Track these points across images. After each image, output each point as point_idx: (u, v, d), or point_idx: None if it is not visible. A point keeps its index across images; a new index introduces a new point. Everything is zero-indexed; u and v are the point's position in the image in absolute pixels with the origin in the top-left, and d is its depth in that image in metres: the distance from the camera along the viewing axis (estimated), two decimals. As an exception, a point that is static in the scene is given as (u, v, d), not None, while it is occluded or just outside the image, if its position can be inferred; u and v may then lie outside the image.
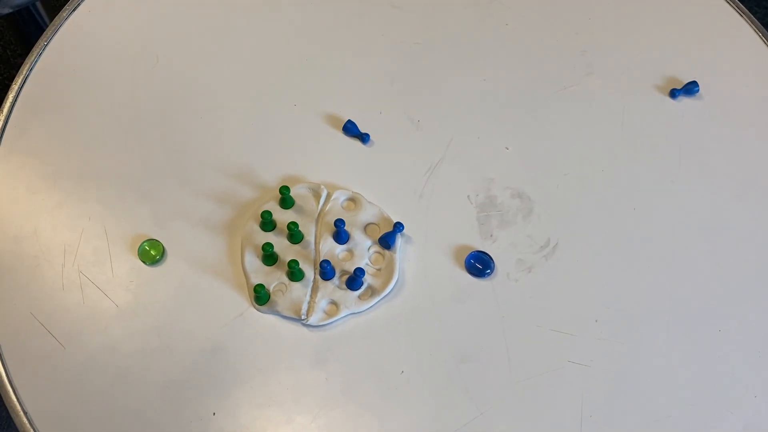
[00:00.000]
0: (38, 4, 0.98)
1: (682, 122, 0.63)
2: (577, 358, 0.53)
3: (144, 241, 0.55)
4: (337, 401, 0.51)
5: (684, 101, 0.64)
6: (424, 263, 0.56)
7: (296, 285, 0.53)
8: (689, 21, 0.69)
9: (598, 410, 0.51)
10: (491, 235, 0.57)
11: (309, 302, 0.53)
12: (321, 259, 0.54)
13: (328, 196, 0.57)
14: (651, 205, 0.59)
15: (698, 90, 0.59)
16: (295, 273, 0.53)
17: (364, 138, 0.59)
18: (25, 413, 0.50)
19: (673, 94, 0.60)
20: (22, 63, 0.63)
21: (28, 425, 0.49)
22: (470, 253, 0.56)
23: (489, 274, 0.55)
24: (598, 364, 0.53)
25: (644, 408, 0.52)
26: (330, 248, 0.55)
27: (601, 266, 0.57)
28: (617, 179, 0.60)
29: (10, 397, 0.50)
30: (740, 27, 0.69)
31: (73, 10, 0.66)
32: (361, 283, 0.54)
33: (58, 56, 0.64)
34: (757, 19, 1.44)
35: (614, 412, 0.51)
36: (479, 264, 0.55)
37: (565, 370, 0.53)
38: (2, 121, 0.60)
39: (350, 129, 0.58)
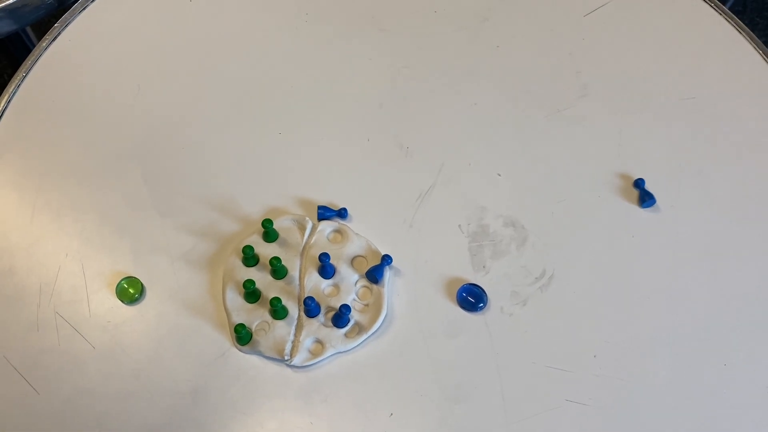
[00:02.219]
0: (27, 29, 0.97)
1: (680, 145, 0.61)
2: (575, 396, 0.50)
3: (122, 279, 0.53)
4: (323, 446, 0.48)
5: (682, 125, 0.62)
6: (414, 297, 0.54)
7: (280, 323, 0.51)
8: (687, 39, 0.67)
9: (598, 452, 0.49)
10: (484, 266, 0.55)
11: (293, 341, 0.51)
12: (305, 296, 0.52)
13: (314, 228, 0.55)
14: (650, 232, 0.57)
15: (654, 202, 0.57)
16: (278, 311, 0.50)
17: (342, 213, 0.56)
18: (-4, 463, 0.48)
19: (639, 184, 0.58)
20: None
21: (-2, 477, 0.47)
22: (462, 286, 0.54)
23: (482, 308, 0.53)
24: (598, 402, 0.50)
25: (647, 449, 0.49)
26: (315, 283, 0.53)
27: (600, 298, 0.54)
28: (614, 206, 0.58)
29: (-20, 447, 0.48)
30: (740, 44, 0.67)
31: (53, 39, 0.65)
32: (348, 320, 0.51)
33: (38, 87, 0.62)
34: (760, 29, 1.42)
35: (615, 454, 0.49)
36: (472, 297, 0.53)
37: (562, 410, 0.50)
38: (-22, 154, 0.59)
39: (325, 213, 0.55)
